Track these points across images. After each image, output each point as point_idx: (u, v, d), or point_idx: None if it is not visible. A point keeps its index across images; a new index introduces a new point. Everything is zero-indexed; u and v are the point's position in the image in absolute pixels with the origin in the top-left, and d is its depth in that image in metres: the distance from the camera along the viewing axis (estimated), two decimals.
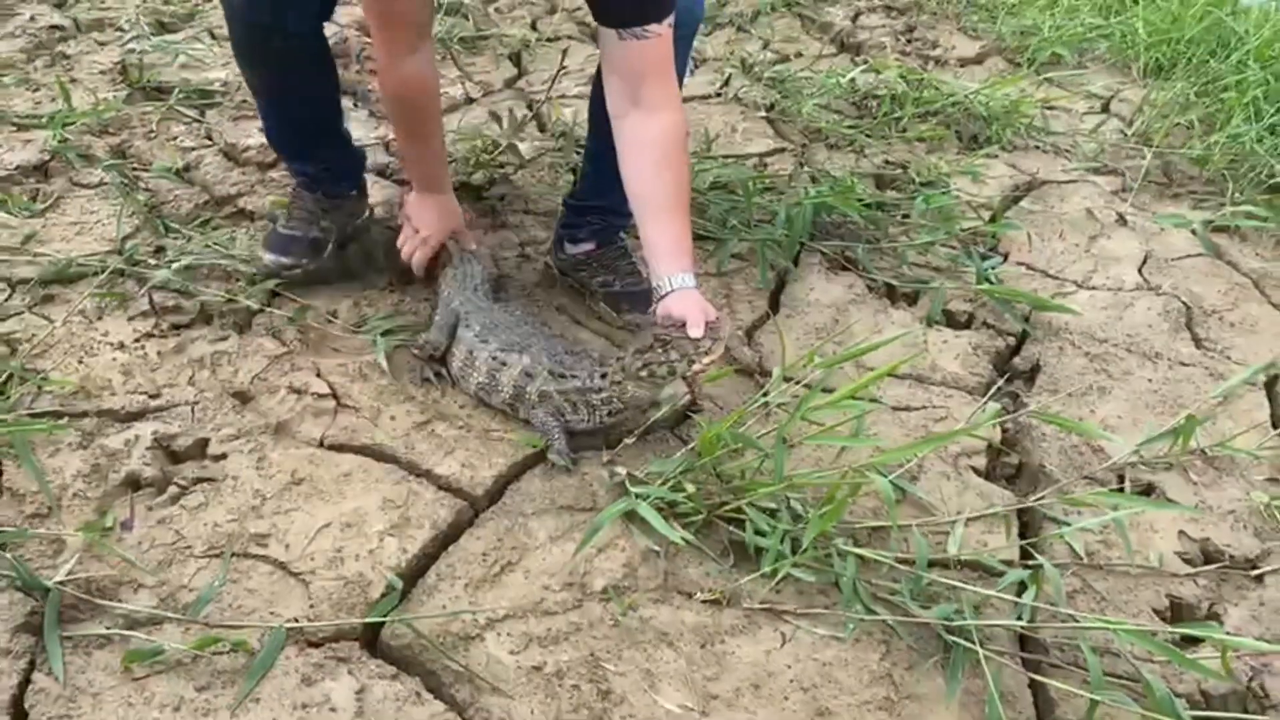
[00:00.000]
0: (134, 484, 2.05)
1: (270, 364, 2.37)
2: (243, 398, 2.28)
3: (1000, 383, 2.51)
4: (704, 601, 1.89)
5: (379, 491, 2.05)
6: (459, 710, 1.66)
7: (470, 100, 3.75)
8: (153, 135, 3.28)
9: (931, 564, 1.94)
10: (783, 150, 3.59)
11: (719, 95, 3.97)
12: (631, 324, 2.59)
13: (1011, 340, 2.73)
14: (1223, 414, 2.49)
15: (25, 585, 1.75)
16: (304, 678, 1.68)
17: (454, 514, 2.02)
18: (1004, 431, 2.40)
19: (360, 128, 3.38)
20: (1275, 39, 4.09)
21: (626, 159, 2.23)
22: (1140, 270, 3.05)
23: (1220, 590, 2.04)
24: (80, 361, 2.32)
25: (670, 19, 2.13)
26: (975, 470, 2.27)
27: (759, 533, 1.96)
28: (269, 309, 2.51)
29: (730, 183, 3.18)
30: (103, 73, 3.65)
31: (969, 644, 1.77)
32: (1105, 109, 4.10)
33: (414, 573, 1.90)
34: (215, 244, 2.70)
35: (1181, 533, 2.15)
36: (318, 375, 2.35)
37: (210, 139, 3.30)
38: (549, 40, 4.26)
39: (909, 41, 4.64)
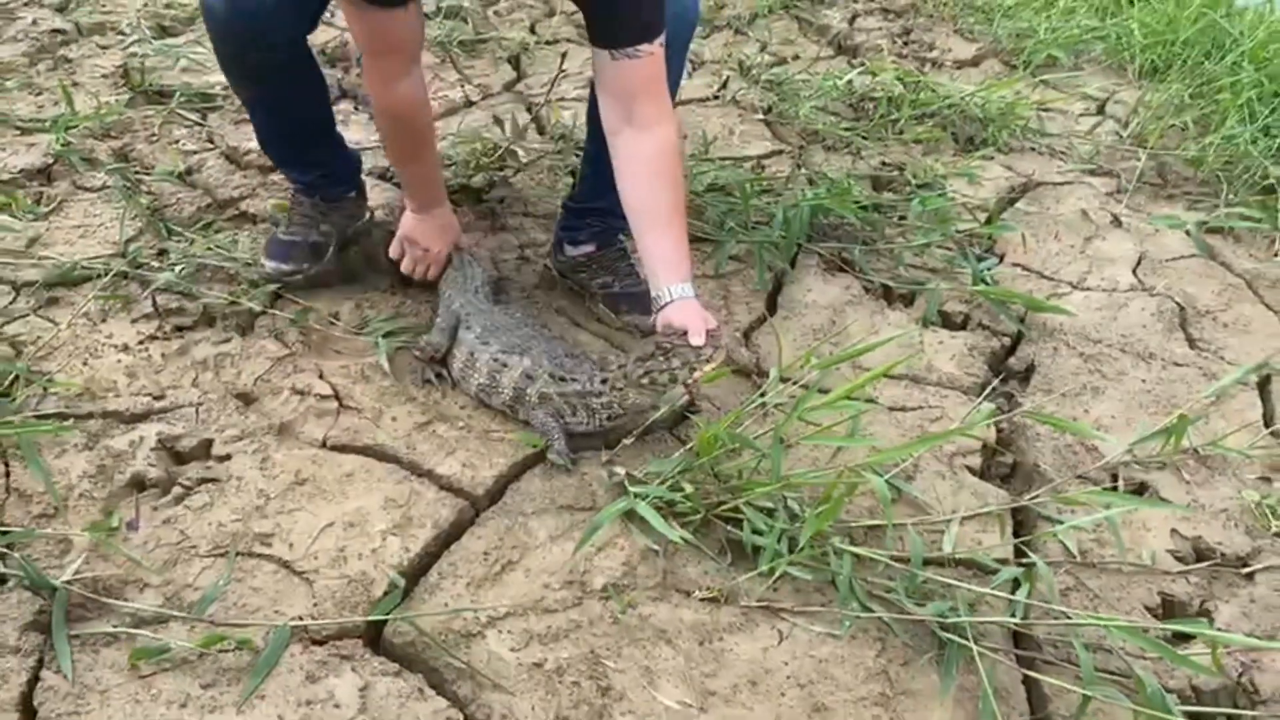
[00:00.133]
0: (139, 484, 2.08)
1: (273, 366, 2.39)
2: (246, 399, 2.30)
3: (995, 383, 2.54)
4: (702, 599, 1.91)
5: (381, 491, 2.08)
6: (461, 706, 1.69)
7: (470, 103, 3.77)
8: (155, 139, 3.30)
9: (927, 562, 1.96)
10: (780, 152, 3.62)
11: (716, 98, 3.99)
12: (631, 325, 2.62)
13: (1007, 341, 2.75)
14: (1215, 413, 2.52)
15: (33, 584, 1.78)
16: (308, 675, 1.70)
17: (455, 513, 2.05)
18: (999, 431, 2.43)
19: (361, 130, 3.41)
20: (1270, 41, 4.10)
21: (622, 174, 2.27)
22: (1135, 271, 3.08)
23: (1211, 587, 2.06)
24: (85, 363, 2.35)
25: (661, 38, 2.17)
26: (970, 469, 2.30)
27: (756, 532, 1.98)
28: (271, 311, 2.54)
29: (728, 185, 3.21)
30: (104, 76, 3.67)
31: (963, 641, 1.80)
32: (1101, 111, 4.12)
33: (416, 571, 1.93)
34: (218, 247, 2.72)
35: (1174, 531, 2.18)
36: (320, 377, 2.37)
37: (212, 142, 3.33)
38: (548, 43, 4.28)
39: (906, 44, 4.66)
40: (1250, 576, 2.09)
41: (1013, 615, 1.88)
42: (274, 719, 1.63)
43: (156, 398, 2.28)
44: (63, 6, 4.19)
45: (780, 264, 2.92)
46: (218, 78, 3.67)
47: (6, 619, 1.74)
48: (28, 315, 2.48)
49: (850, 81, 4.01)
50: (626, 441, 2.20)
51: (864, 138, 3.70)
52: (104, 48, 3.89)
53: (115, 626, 1.75)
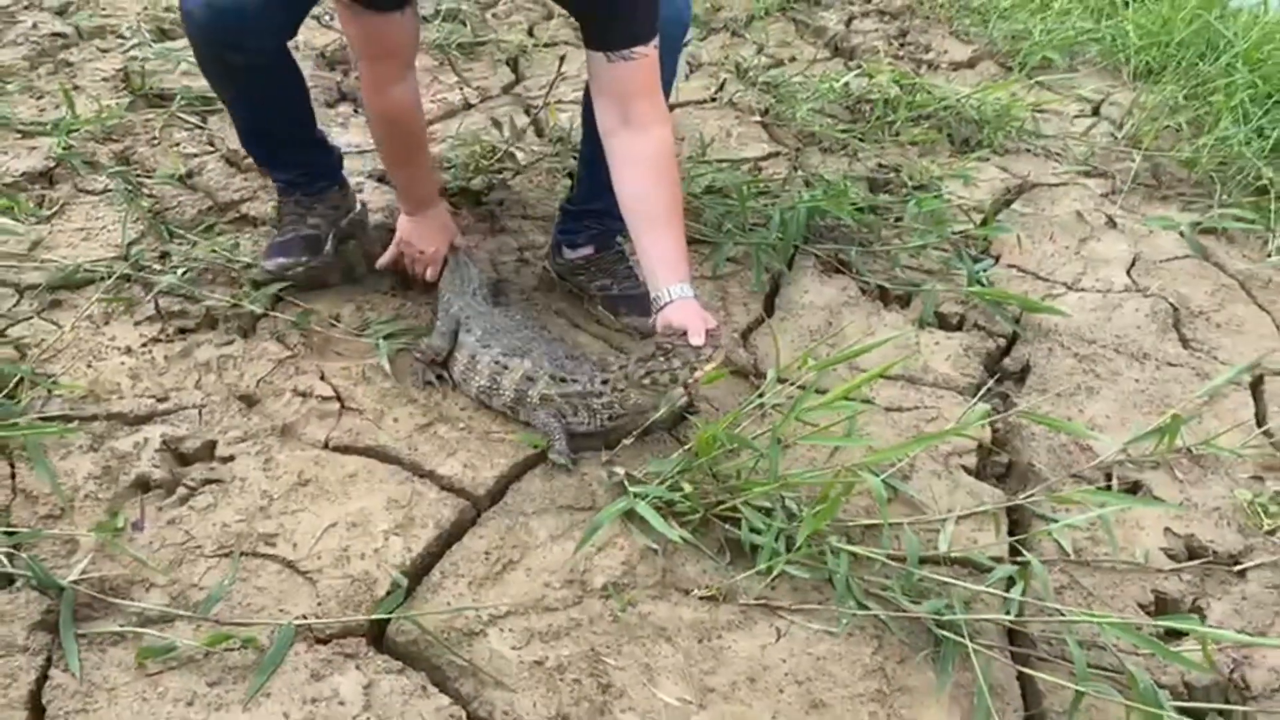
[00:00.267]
0: (144, 485, 2.10)
1: (275, 368, 2.41)
2: (249, 401, 2.33)
3: (990, 383, 2.56)
4: (701, 598, 1.94)
5: (383, 492, 2.10)
6: (464, 704, 1.71)
7: (468, 106, 3.79)
8: (156, 142, 3.32)
9: (922, 560, 1.99)
10: (777, 154, 3.64)
11: (714, 100, 4.02)
12: (629, 327, 2.64)
13: (1002, 341, 2.78)
14: (1208, 413, 2.54)
15: (41, 584, 1.80)
16: (313, 673, 1.72)
17: (457, 513, 2.07)
18: (994, 431, 2.45)
19: (361, 134, 3.42)
20: (1263, 42, 4.13)
21: (619, 175, 2.29)
22: (1129, 272, 3.10)
23: (1204, 585, 2.09)
24: (89, 366, 2.37)
25: (656, 40, 2.20)
26: (966, 469, 2.32)
27: (754, 531, 2.01)
28: (273, 313, 2.56)
29: (725, 187, 3.23)
30: (105, 80, 3.69)
31: (959, 638, 1.82)
32: (1096, 112, 4.14)
33: (418, 571, 1.95)
34: (219, 249, 2.74)
35: (1167, 529, 2.20)
36: (322, 378, 2.39)
37: (212, 145, 3.34)
38: (546, 46, 4.30)
39: (902, 46, 4.69)
40: (1242, 574, 2.12)
41: (1008, 613, 1.90)
42: (279, 716, 1.66)
43: (160, 400, 2.30)
44: (63, 10, 4.21)
45: (777, 265, 2.94)
46: None
47: (15, 618, 1.76)
48: (31, 318, 2.50)
49: (847, 83, 4.03)
50: (626, 442, 2.23)
51: (860, 139, 3.72)
52: (104, 51, 3.91)
53: (122, 625, 1.78)
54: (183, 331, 2.51)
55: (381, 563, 1.94)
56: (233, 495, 2.07)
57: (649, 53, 2.19)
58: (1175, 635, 1.94)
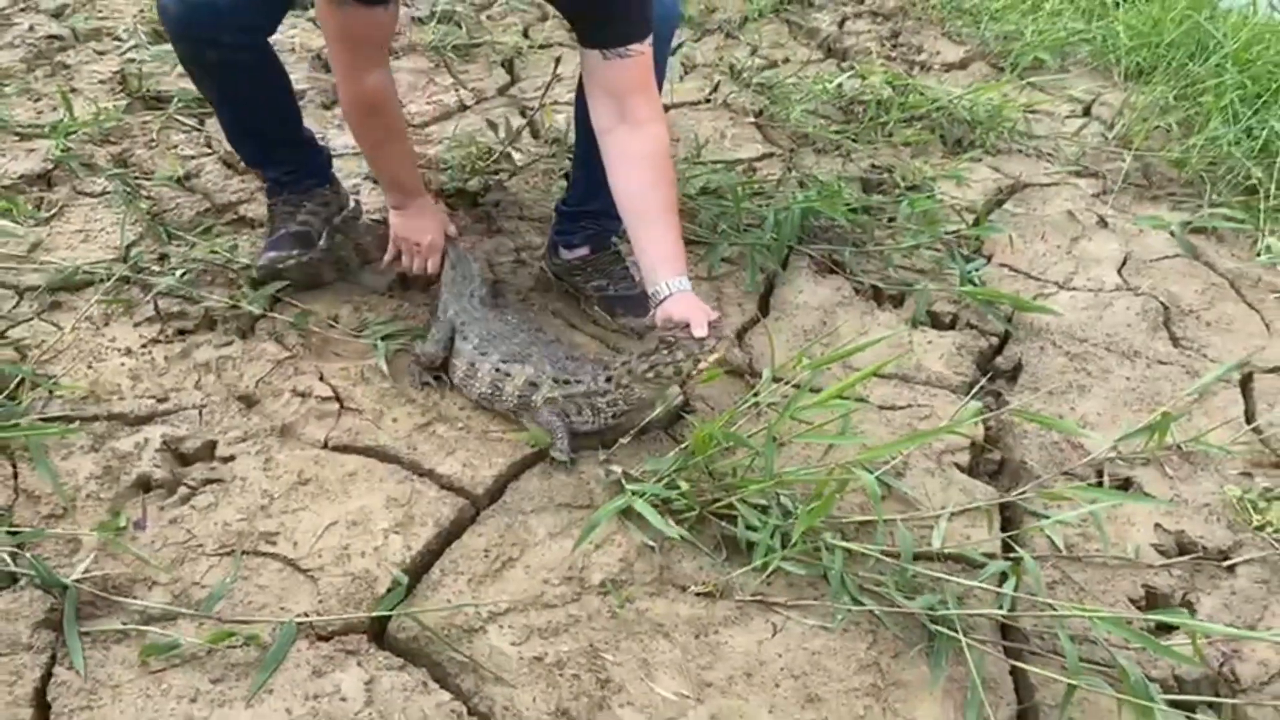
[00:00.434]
0: (145, 485, 2.12)
1: (274, 368, 2.43)
2: (248, 401, 2.34)
3: (983, 382, 2.59)
4: (698, 594, 1.96)
5: (383, 491, 2.12)
6: (464, 699, 1.73)
7: (464, 107, 3.81)
8: (153, 144, 3.34)
9: (916, 557, 2.02)
10: (771, 155, 3.66)
11: (708, 101, 4.04)
12: (626, 327, 2.66)
13: (994, 340, 2.80)
14: (1198, 410, 2.57)
15: (44, 583, 1.82)
16: (315, 670, 1.74)
17: (456, 512, 2.09)
18: (986, 429, 2.48)
19: None
20: (1253, 43, 4.16)
21: (616, 172, 2.31)
22: (1120, 271, 3.13)
23: (1194, 580, 2.11)
24: (89, 367, 2.38)
25: (650, 37, 2.23)
26: (959, 466, 2.35)
27: (750, 528, 2.03)
28: (271, 314, 2.57)
29: (719, 188, 3.25)
30: (102, 82, 3.70)
31: (952, 633, 1.85)
32: (1087, 112, 4.18)
33: (418, 568, 1.97)
34: (218, 251, 2.75)
35: (1157, 525, 2.23)
36: (321, 379, 2.41)
37: (210, 147, 3.36)
38: (541, 47, 4.32)
39: (894, 47, 4.71)
40: (1231, 569, 2.14)
41: (1000, 608, 1.93)
42: (282, 713, 1.68)
43: (160, 400, 2.32)
44: (59, 12, 4.22)
45: (772, 266, 2.96)
46: None
47: (19, 617, 1.78)
48: (31, 319, 2.51)
49: (840, 85, 4.06)
50: (623, 441, 2.25)
51: (854, 140, 3.74)
52: (101, 53, 3.92)
53: (125, 624, 1.79)
54: (182, 332, 2.53)
55: (382, 561, 1.96)
56: (233, 494, 2.09)
57: (644, 50, 2.22)
58: (1166, 629, 1.97)
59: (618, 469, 2.16)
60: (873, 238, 3.16)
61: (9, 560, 1.85)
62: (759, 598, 1.96)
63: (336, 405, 2.34)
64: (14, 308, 2.54)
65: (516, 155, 3.39)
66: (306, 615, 1.84)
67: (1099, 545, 2.14)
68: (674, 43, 2.87)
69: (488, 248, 2.95)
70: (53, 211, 2.94)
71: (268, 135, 2.65)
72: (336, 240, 2.74)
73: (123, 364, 2.41)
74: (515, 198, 3.22)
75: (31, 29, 4.01)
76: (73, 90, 3.57)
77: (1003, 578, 1.98)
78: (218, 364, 2.43)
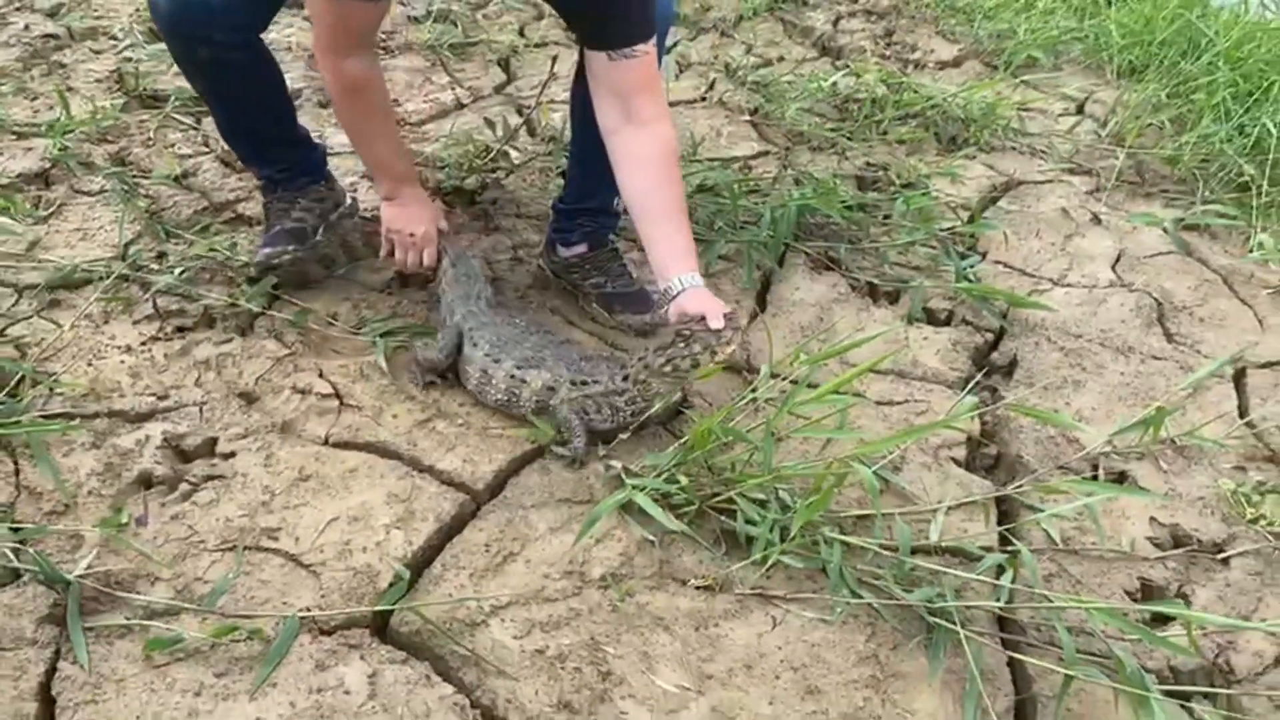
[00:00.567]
0: (146, 482, 2.13)
1: (273, 365, 2.44)
2: (248, 398, 2.35)
3: (979, 377, 2.60)
4: (698, 588, 1.97)
5: (384, 486, 2.13)
6: (467, 692, 1.74)
7: (461, 106, 3.82)
8: (151, 143, 3.34)
9: (914, 550, 2.03)
10: (766, 153, 3.68)
11: (704, 99, 4.06)
12: (624, 324, 2.67)
13: (989, 336, 2.82)
14: (1192, 405, 2.59)
15: (47, 579, 1.83)
16: (318, 663, 1.76)
17: (457, 507, 2.10)
18: (983, 423, 2.50)
19: None
20: (1244, 41, 4.19)
21: (624, 172, 2.32)
22: (1113, 268, 3.15)
23: (1188, 573, 2.13)
24: (89, 364, 2.39)
25: (654, 37, 2.24)
26: (955, 461, 2.37)
27: (749, 522, 2.04)
28: (270, 312, 2.58)
29: (716, 186, 3.26)
30: (99, 81, 3.70)
31: (950, 625, 1.87)
32: (1080, 110, 4.20)
33: (420, 563, 1.98)
34: (216, 249, 2.76)
35: (1152, 518, 2.25)
36: (320, 376, 2.42)
37: (207, 146, 3.37)
38: (537, 46, 4.33)
39: (888, 45, 4.73)
40: (1226, 562, 2.16)
41: (998, 600, 1.95)
42: (286, 706, 1.69)
43: (160, 397, 2.32)
44: (54, 12, 4.22)
45: (768, 263, 2.98)
46: None
47: (23, 612, 1.78)
48: (31, 317, 2.52)
49: (834, 83, 4.07)
50: (623, 437, 2.26)
51: (849, 138, 3.76)
52: (97, 52, 3.92)
53: (128, 619, 1.80)
54: (181, 330, 2.53)
55: (383, 556, 1.97)
56: (235, 491, 2.10)
57: (649, 50, 2.24)
58: (1161, 621, 1.99)
59: (617, 464, 2.17)
60: (868, 235, 3.18)
61: (12, 556, 1.86)
62: (758, 591, 1.97)
63: (336, 402, 2.35)
64: (13, 305, 2.55)
65: (513, 153, 3.40)
66: (309, 610, 1.85)
67: (1095, 538, 2.16)
68: (669, 41, 2.89)
69: (485, 245, 2.96)
70: (51, 210, 2.94)
71: (262, 133, 2.66)
72: (320, 239, 2.72)
73: (123, 361, 2.41)
74: (512, 195, 3.23)
75: (27, 28, 4.02)
76: (69, 89, 3.57)
77: (1000, 570, 1.99)
78: (217, 361, 2.44)
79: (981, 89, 4.02)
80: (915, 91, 4.04)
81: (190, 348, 2.48)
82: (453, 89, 3.93)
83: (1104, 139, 3.90)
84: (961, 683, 1.83)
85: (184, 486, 2.11)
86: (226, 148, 3.19)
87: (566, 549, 2.02)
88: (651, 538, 2.04)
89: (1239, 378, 2.72)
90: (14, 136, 3.27)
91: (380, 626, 1.86)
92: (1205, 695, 1.86)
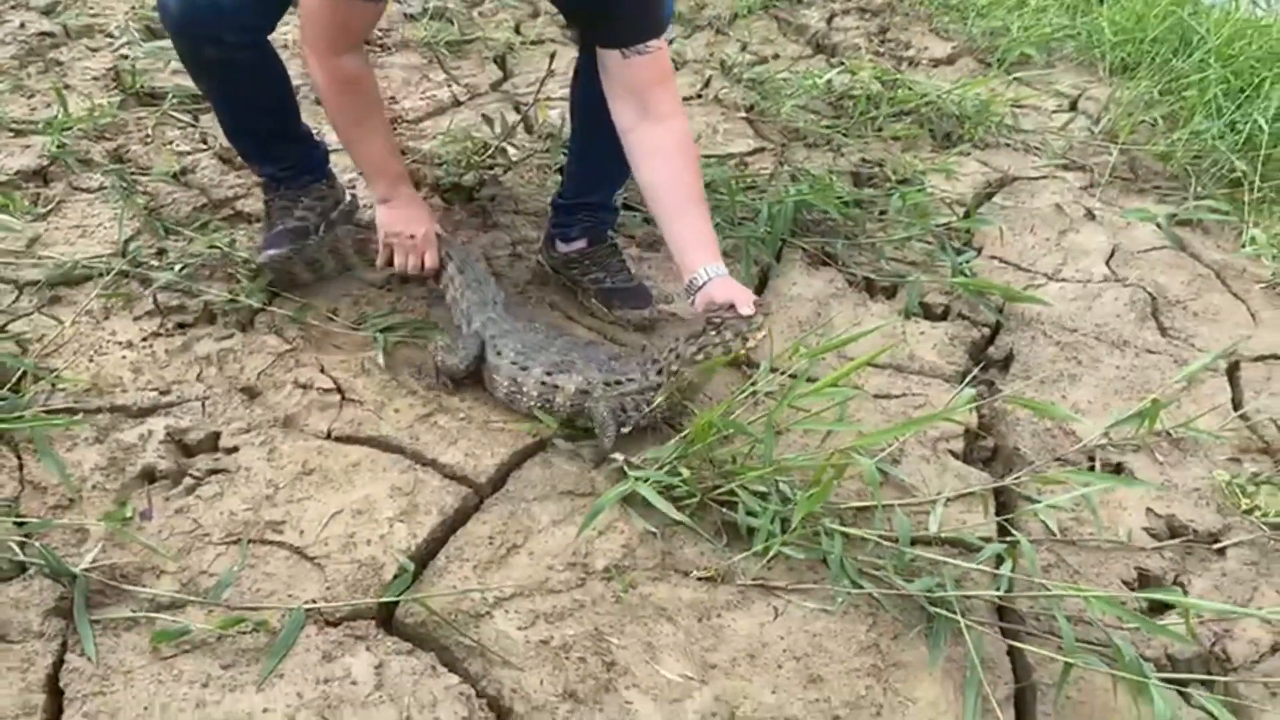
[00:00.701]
0: (150, 476, 2.13)
1: (275, 360, 2.45)
2: (250, 393, 2.36)
3: (976, 371, 2.63)
4: (700, 579, 1.99)
5: (387, 480, 2.14)
6: (473, 682, 1.76)
7: (458, 103, 3.83)
8: (149, 140, 3.34)
9: (914, 541, 2.05)
10: (763, 150, 3.70)
11: (700, 97, 4.07)
12: (623, 320, 2.69)
13: (986, 330, 2.84)
14: (1186, 398, 2.62)
15: (53, 572, 1.83)
16: (324, 654, 1.77)
17: (460, 500, 2.11)
18: (980, 416, 2.52)
19: None
20: (1235, 38, 4.22)
21: (643, 167, 2.34)
22: (1108, 263, 3.18)
23: (1185, 563, 2.16)
24: (91, 360, 2.40)
25: (665, 34, 2.25)
26: (953, 453, 2.39)
27: (750, 514, 2.06)
28: (270, 308, 2.59)
29: (713, 182, 3.27)
30: (95, 78, 3.70)
31: (950, 614, 1.88)
32: (1073, 107, 4.23)
33: (424, 556, 1.99)
34: (216, 245, 2.76)
35: (1148, 509, 2.27)
36: (321, 371, 2.43)
37: (205, 143, 3.37)
38: (533, 43, 4.34)
39: (883, 43, 4.76)
40: (1221, 552, 2.19)
41: (997, 590, 1.97)
42: (293, 696, 1.70)
43: (163, 392, 2.33)
44: (50, 9, 4.21)
45: (766, 259, 3.00)
46: None
47: (30, 605, 1.79)
48: (31, 314, 2.52)
49: (829, 80, 4.09)
50: (624, 430, 2.27)
51: (844, 135, 3.78)
52: (94, 50, 3.92)
53: (135, 611, 1.81)
54: (182, 326, 2.54)
55: (388, 548, 1.98)
56: (239, 484, 2.11)
57: (662, 46, 2.26)
58: (1158, 611, 2.01)
59: (619, 457, 2.18)
60: (864, 230, 3.20)
61: (18, 550, 1.87)
62: (760, 582, 1.99)
63: (338, 397, 2.36)
64: (13, 302, 2.55)
65: (511, 150, 3.41)
66: (314, 602, 1.86)
67: (1092, 529, 2.18)
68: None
69: (484, 242, 2.97)
70: (50, 207, 2.94)
71: (265, 132, 2.66)
72: (311, 242, 2.69)
73: (124, 357, 2.42)
74: (510, 192, 3.24)
75: (23, 26, 4.00)
76: (66, 87, 3.57)
77: (999, 560, 2.02)
78: (219, 357, 2.44)
79: (975, 86, 4.04)
80: (910, 88, 4.06)
81: (191, 343, 2.48)
82: (449, 86, 3.93)
83: (1097, 135, 3.93)
84: (962, 671, 1.85)
85: (188, 480, 2.12)
86: (225, 145, 3.21)
87: (569, 541, 2.04)
88: (654, 529, 2.06)
89: (1233, 371, 2.75)
90: (12, 134, 3.27)
91: (386, 618, 1.88)
92: (1202, 683, 1.88)
